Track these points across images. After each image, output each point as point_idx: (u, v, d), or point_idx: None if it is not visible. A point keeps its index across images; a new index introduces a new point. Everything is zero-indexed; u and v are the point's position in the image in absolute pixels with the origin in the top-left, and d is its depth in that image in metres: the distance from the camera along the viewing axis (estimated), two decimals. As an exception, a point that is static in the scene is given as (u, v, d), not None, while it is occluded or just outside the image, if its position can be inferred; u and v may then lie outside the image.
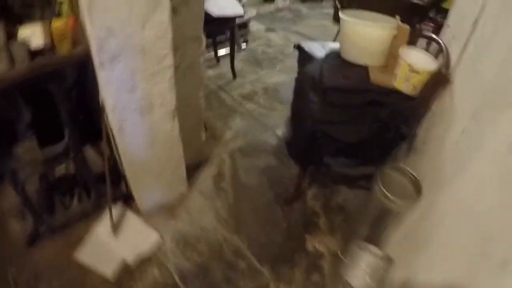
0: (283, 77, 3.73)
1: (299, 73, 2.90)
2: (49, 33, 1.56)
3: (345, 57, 2.00)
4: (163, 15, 1.52)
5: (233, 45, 3.41)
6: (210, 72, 3.68)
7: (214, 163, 2.71)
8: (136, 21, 1.47)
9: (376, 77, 1.83)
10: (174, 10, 1.68)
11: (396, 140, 1.83)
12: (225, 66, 3.72)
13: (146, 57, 1.60)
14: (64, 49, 1.59)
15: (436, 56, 1.83)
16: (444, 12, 2.51)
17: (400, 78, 1.75)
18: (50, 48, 1.58)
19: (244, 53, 4.09)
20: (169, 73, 1.72)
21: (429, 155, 1.79)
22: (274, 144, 2.92)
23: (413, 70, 1.69)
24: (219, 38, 3.93)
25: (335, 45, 2.86)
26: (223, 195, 2.48)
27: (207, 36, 3.27)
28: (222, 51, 3.94)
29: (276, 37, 4.56)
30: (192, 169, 2.55)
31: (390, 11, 2.04)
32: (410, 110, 1.79)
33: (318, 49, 2.67)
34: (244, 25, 4.41)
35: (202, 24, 1.98)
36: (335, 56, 2.05)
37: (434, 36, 1.84)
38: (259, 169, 2.70)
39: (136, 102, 1.72)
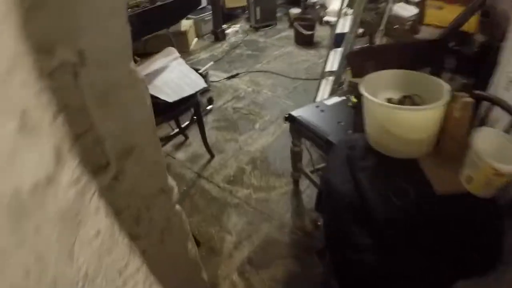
0: (268, 137, 3.13)
1: (295, 144, 2.31)
2: None
3: (380, 150, 1.40)
4: (98, 221, 0.87)
5: (200, 121, 2.78)
6: (181, 156, 3.03)
7: (224, 293, 2.07)
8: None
9: (442, 184, 1.24)
10: (112, 187, 1.04)
11: (487, 265, 1.22)
12: (196, 141, 3.07)
13: (97, 284, 0.95)
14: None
15: (508, 131, 1.25)
16: (461, 37, 1.97)
17: (479, 182, 1.18)
18: None
19: (212, 117, 3.46)
20: (142, 275, 1.07)
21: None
22: (287, 240, 2.31)
23: (499, 174, 1.10)
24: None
25: (333, 101, 2.29)
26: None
27: (164, 121, 2.66)
28: (185, 120, 3.30)
29: (242, 85, 3.94)
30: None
31: (410, 60, 1.48)
32: (497, 219, 1.20)
33: (315, 114, 2.12)
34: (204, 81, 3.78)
35: (164, 169, 1.34)
36: (364, 151, 1.46)
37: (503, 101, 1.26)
38: (281, 283, 2.10)
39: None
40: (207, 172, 2.85)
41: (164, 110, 2.32)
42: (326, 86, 3.17)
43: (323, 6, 5.30)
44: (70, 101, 0.78)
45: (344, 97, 2.31)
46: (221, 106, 3.61)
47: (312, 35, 4.76)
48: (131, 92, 1.06)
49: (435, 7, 2.00)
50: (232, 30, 5.42)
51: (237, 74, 4.11)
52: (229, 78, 4.08)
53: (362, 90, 1.37)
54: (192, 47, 4.98)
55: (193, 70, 2.56)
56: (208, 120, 3.41)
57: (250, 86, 3.88)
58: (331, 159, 1.56)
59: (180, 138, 3.17)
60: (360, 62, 1.51)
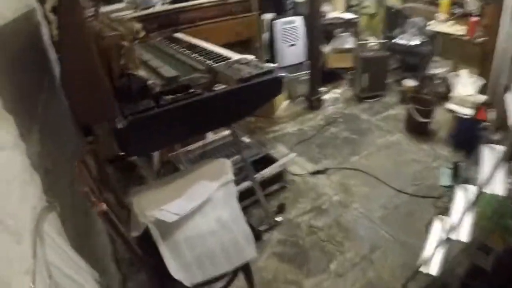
0: (345, 293, 2.23)
1: None
2: None
3: None
4: None
5: (249, 275, 1.97)
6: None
7: None
8: None
9: None
10: None
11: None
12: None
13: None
14: None
15: None
16: None
17: None
18: None
19: (278, 235, 2.63)
20: None
21: None
22: None
23: None
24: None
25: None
26: None
27: None
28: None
29: (328, 188, 3.06)
30: None
31: None
32: None
33: None
34: (279, 177, 2.99)
35: None
36: None
37: None
38: None
39: None
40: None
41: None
42: (440, 235, 2.21)
43: (445, 81, 4.24)
44: None
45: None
46: (294, 219, 2.76)
47: (427, 124, 3.75)
48: None
49: None
50: (331, 96, 4.57)
51: (326, 170, 3.24)
52: (314, 173, 3.22)
53: None
54: (279, 112, 4.21)
55: (243, 219, 1.73)
56: (272, 239, 2.59)
57: (338, 193, 2.99)
58: None
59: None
60: None
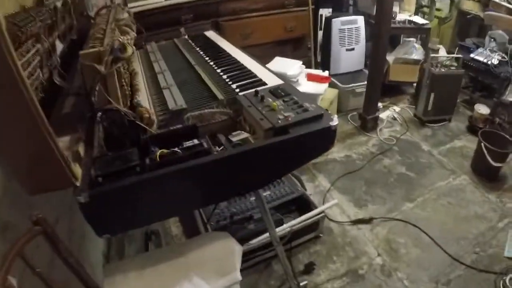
0: None
1: None
2: None
3: None
4: None
5: None
6: None
7: None
8: None
9: None
10: None
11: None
12: None
13: None
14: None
15: None
16: None
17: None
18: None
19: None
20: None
21: None
22: None
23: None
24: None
25: None
26: None
27: None
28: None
29: (370, 244, 2.48)
30: None
31: None
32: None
33: None
34: (314, 224, 2.44)
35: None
36: None
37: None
38: None
39: None
40: None
41: None
42: None
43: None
44: None
45: None
46: (322, 285, 2.22)
47: (499, 168, 3.06)
48: None
49: None
50: (389, 113, 3.92)
51: (371, 220, 2.65)
52: (356, 222, 2.65)
53: None
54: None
55: None
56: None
57: (382, 253, 2.41)
58: None
59: None
60: None
